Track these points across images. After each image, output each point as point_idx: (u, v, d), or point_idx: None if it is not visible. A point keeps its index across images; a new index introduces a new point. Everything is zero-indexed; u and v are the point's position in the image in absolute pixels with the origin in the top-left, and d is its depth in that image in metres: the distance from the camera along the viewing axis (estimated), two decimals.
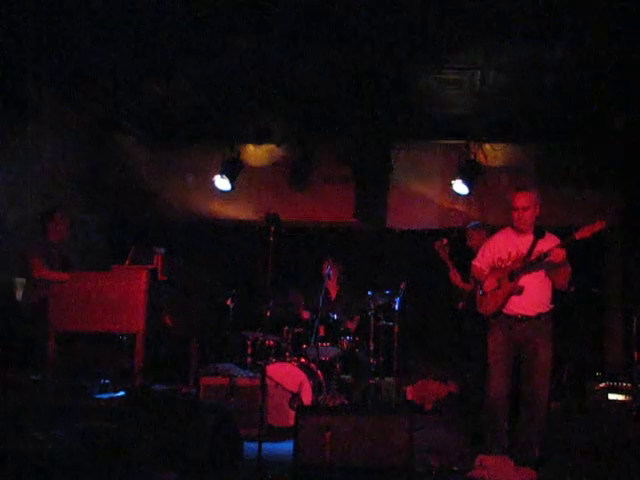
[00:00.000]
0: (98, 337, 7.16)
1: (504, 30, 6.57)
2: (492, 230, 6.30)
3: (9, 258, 7.59)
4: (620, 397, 6.77)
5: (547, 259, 5.19)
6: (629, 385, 6.90)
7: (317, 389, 7.17)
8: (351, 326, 8.28)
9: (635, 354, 7.13)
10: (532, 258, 5.27)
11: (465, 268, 6.87)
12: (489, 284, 5.48)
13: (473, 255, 6.10)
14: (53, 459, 4.50)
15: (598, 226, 5.10)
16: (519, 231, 5.45)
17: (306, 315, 8.23)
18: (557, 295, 5.50)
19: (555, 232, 5.40)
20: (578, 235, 5.13)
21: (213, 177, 9.58)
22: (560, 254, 5.15)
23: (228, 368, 7.14)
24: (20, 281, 7.27)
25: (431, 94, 8.37)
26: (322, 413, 5.32)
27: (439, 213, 9.80)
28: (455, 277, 7.19)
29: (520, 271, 5.32)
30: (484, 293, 5.53)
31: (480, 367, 6.33)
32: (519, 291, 5.32)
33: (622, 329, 9.03)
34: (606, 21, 6.30)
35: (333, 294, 8.53)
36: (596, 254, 9.16)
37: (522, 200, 5.40)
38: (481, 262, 5.66)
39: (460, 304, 7.24)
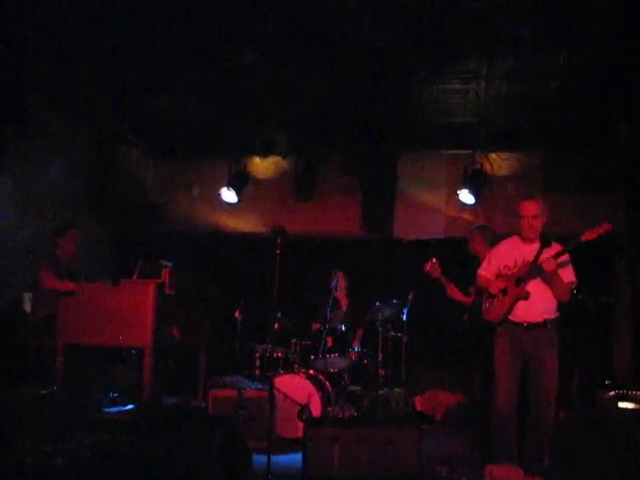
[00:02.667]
0: (107, 351, 7.18)
1: (508, 39, 6.58)
2: (496, 236, 6.31)
3: (18, 273, 7.62)
4: (630, 405, 6.72)
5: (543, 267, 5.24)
6: (639, 393, 6.86)
7: (326, 401, 7.15)
8: (356, 343, 8.26)
9: None
10: (537, 265, 5.29)
11: (464, 280, 6.88)
12: (497, 286, 5.47)
13: (472, 258, 6.11)
14: (62, 473, 4.51)
15: (603, 228, 5.12)
16: (527, 239, 5.46)
17: (314, 327, 8.23)
18: (562, 304, 5.49)
19: (561, 240, 5.40)
20: (584, 237, 5.16)
21: (219, 190, 9.59)
22: (552, 264, 5.19)
23: (237, 380, 7.14)
24: (29, 296, 7.28)
25: (436, 104, 8.38)
26: (331, 425, 5.33)
27: (446, 223, 9.80)
28: (453, 292, 7.13)
29: (526, 277, 5.33)
30: (491, 297, 5.52)
31: (484, 378, 6.33)
32: (525, 296, 5.32)
33: (631, 337, 9.00)
34: (609, 29, 6.30)
35: (344, 305, 8.51)
36: (605, 262, 9.13)
37: (532, 208, 5.43)
38: (487, 271, 5.67)
39: (465, 316, 7.21)
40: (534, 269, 5.30)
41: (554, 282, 5.31)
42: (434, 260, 7.14)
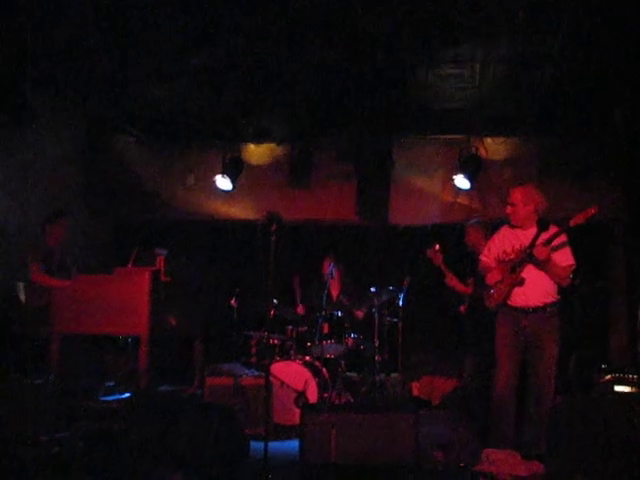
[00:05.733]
0: (102, 339, 7.17)
1: (503, 23, 6.54)
2: (493, 225, 6.31)
3: (11, 262, 7.59)
4: (626, 389, 6.74)
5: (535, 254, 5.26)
6: (635, 377, 6.87)
7: (322, 387, 7.16)
8: (359, 314, 8.21)
9: None
10: (531, 251, 5.29)
11: (463, 270, 6.88)
12: (493, 277, 5.50)
13: (469, 253, 6.12)
14: (58, 462, 4.50)
15: (591, 212, 5.14)
16: (516, 226, 5.52)
17: (301, 310, 8.25)
18: (561, 288, 5.49)
19: (558, 224, 5.39)
20: (572, 222, 5.18)
21: (214, 177, 9.55)
22: (543, 252, 5.19)
23: (233, 368, 7.14)
24: (23, 285, 7.26)
25: (431, 89, 8.32)
26: (328, 411, 5.32)
27: (441, 208, 9.75)
28: (452, 281, 7.10)
29: (521, 263, 5.33)
30: (489, 286, 5.54)
31: (482, 365, 6.34)
32: (520, 282, 5.34)
33: (627, 321, 9.00)
34: (606, 13, 6.26)
35: (335, 293, 8.50)
36: (599, 246, 9.13)
37: (513, 196, 5.51)
38: (487, 256, 5.72)
39: (461, 307, 7.21)
40: (528, 255, 5.31)
41: (549, 268, 5.32)
42: (437, 247, 7.09)
